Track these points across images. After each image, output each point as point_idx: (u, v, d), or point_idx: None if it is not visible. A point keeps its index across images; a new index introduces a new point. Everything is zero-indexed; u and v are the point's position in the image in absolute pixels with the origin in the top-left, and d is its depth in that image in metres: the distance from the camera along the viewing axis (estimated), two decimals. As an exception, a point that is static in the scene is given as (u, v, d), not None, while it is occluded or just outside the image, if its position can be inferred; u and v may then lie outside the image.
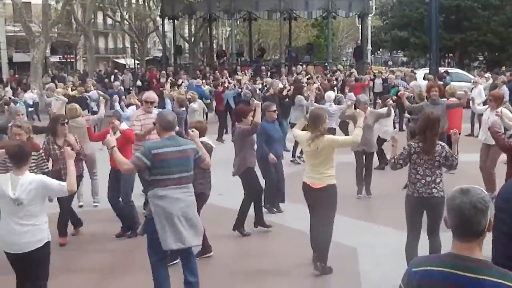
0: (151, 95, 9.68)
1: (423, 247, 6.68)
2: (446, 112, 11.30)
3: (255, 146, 9.14)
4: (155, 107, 9.72)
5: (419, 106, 11.46)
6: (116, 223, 9.01)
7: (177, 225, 5.85)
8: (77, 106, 10.76)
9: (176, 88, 19.85)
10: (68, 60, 55.75)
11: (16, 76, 39.06)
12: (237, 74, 26.19)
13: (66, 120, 8.69)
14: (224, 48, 42.83)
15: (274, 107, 9.89)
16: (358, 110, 7.41)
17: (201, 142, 6.76)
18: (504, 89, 16.56)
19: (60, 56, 55.82)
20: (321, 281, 7.05)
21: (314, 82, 18.51)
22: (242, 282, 7.16)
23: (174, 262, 7.01)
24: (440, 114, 10.75)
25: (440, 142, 6.60)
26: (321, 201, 7.06)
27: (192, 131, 6.67)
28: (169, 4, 33.98)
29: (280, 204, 9.99)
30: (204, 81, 23.52)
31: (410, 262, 3.00)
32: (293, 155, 14.06)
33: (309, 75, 24.02)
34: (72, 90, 19.15)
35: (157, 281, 6.05)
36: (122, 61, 63.85)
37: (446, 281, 2.75)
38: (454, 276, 2.74)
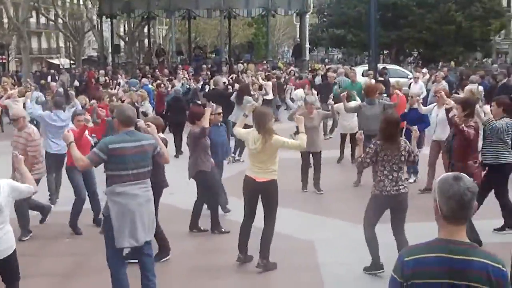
0: (17, 112, 9.04)
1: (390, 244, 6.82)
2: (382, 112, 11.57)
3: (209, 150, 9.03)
4: None
5: (357, 106, 11.65)
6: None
7: (134, 222, 5.79)
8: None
9: (109, 90, 19.30)
10: (1, 61, 54.00)
11: None
12: (178, 73, 26.00)
13: None
14: (162, 47, 42.40)
15: (220, 109, 9.88)
16: (296, 116, 7.54)
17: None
18: (444, 84, 17.07)
19: (-8, 57, 54.05)
20: (281, 275, 7.11)
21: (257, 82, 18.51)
22: (202, 279, 7.12)
23: (134, 260, 6.94)
24: (378, 113, 11.23)
25: (403, 138, 6.85)
26: (264, 195, 7.16)
27: (148, 125, 6.55)
28: (107, 3, 33.42)
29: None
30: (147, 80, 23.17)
31: (400, 253, 3.06)
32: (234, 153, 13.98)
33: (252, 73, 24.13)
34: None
35: (114, 275, 5.98)
36: (56, 61, 62.28)
37: (442, 266, 2.85)
38: (449, 260, 2.85)
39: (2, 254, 5.26)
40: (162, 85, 19.07)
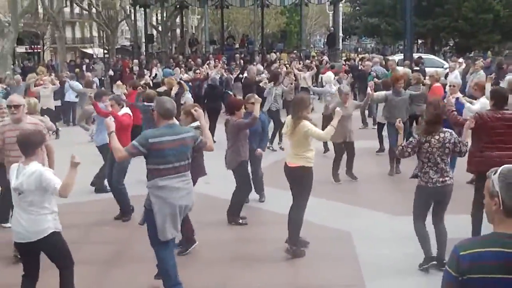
0: (14, 98, 7.96)
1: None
2: (408, 102, 11.61)
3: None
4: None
5: (383, 96, 11.64)
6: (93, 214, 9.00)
7: (175, 215, 5.81)
8: (36, 100, 9.98)
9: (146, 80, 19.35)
10: (35, 50, 54.72)
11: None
12: (209, 63, 26.03)
13: None
14: (195, 37, 42.46)
15: (253, 99, 9.75)
16: (337, 109, 7.48)
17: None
18: (482, 74, 16.79)
19: (27, 47, 54.73)
20: (320, 265, 7.08)
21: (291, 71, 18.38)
22: (239, 268, 7.11)
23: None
24: (404, 103, 11.37)
25: (448, 130, 6.69)
26: (293, 180, 7.26)
27: (196, 110, 6.54)
28: (141, -8, 33.61)
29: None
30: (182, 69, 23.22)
31: (455, 246, 2.97)
32: (271, 142, 13.97)
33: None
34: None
35: (163, 267, 6.00)
36: (89, 51, 62.89)
37: (498, 260, 2.78)
38: (506, 254, 2.78)
39: (34, 237, 5.39)
40: (198, 72, 19.23)
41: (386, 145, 12.55)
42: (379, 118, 13.55)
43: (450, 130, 6.71)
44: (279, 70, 18.23)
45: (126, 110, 9.39)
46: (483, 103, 9.24)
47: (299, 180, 7.21)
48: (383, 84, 13.61)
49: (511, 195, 2.82)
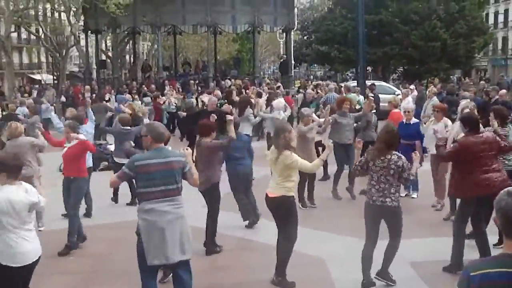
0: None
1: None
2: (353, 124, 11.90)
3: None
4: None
5: (333, 119, 11.73)
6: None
7: (164, 240, 5.70)
8: (18, 124, 10.11)
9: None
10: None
11: None
12: (165, 88, 26.00)
13: None
14: (148, 63, 42.23)
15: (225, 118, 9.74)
16: (329, 143, 7.60)
17: None
18: (435, 100, 17.16)
19: (-28, 72, 53.31)
20: (297, 292, 7.02)
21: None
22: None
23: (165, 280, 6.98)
24: (350, 124, 11.72)
25: (398, 153, 6.77)
26: (272, 210, 7.19)
27: (186, 149, 6.38)
28: (92, 18, 33.24)
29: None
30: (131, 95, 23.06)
31: (465, 267, 3.04)
32: None
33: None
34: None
35: None
36: (37, 76, 61.82)
37: (504, 280, 2.86)
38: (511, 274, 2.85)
39: (21, 260, 5.32)
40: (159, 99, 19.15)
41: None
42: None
43: (400, 154, 6.79)
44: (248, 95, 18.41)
45: (81, 137, 9.11)
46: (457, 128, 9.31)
47: (278, 210, 7.12)
48: (331, 110, 13.65)
49: (499, 218, 2.99)
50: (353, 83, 27.50)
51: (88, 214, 10.55)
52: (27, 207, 5.32)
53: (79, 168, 8.92)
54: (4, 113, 17.28)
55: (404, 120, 11.60)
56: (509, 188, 3.02)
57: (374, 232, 6.85)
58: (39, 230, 9.92)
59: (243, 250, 8.82)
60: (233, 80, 31.05)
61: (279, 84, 27.95)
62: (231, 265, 8.11)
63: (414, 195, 11.35)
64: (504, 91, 18.26)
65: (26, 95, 32.67)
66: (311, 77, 69.79)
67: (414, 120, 11.64)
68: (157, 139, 5.91)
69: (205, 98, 18.57)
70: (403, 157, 6.77)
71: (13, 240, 5.27)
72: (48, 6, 42.61)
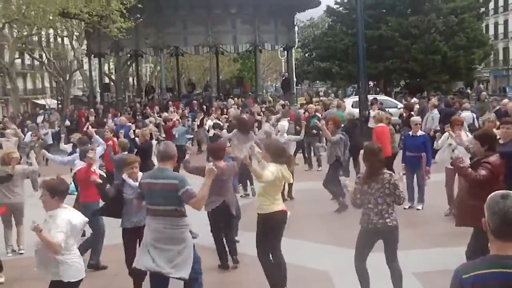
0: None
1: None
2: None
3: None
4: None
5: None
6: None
7: (153, 255, 5.99)
8: (16, 152, 10.51)
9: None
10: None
11: None
12: (169, 109, 26.14)
13: None
14: (152, 84, 42.51)
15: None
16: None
17: None
18: (435, 113, 17.34)
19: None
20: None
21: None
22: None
23: None
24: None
25: (388, 171, 6.72)
26: (258, 228, 7.24)
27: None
28: (95, 42, 33.52)
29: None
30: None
31: (455, 270, 3.11)
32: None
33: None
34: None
35: None
36: (42, 101, 62.22)
37: (498, 280, 2.92)
38: (505, 274, 2.93)
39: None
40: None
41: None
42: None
43: (390, 172, 6.77)
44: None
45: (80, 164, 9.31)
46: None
47: (262, 228, 7.20)
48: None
49: (491, 217, 3.04)
50: (353, 99, 27.74)
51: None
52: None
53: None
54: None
55: (411, 133, 11.71)
56: (501, 191, 3.12)
57: (368, 250, 6.80)
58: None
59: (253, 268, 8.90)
60: (236, 99, 31.20)
61: (283, 101, 28.06)
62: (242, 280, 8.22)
63: (419, 207, 11.43)
64: (506, 100, 18.33)
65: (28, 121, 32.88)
66: (313, 94, 69.84)
67: (420, 132, 11.75)
68: (162, 158, 6.17)
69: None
70: (393, 174, 6.77)
71: (78, 256, 5.76)
72: (51, 31, 43.02)
